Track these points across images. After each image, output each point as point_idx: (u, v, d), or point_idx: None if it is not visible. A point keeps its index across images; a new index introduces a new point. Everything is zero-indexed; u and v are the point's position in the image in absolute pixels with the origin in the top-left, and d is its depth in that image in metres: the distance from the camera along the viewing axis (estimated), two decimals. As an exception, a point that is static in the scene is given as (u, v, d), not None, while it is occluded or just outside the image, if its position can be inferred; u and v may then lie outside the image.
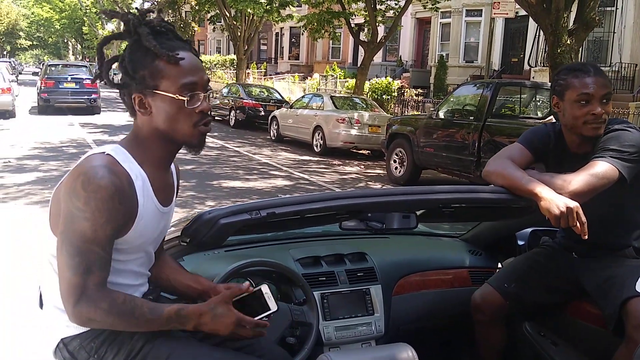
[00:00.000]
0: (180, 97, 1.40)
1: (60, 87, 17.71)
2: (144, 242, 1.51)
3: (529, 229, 2.57)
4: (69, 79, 17.93)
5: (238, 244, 2.38)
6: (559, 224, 1.75)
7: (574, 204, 1.75)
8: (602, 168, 1.88)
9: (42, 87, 17.65)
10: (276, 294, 2.14)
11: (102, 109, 18.96)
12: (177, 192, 1.63)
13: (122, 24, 1.47)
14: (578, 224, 1.75)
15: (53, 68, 19.16)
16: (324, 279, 2.23)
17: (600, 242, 2.10)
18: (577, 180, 1.85)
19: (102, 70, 1.50)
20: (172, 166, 1.61)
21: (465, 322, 2.36)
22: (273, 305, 1.51)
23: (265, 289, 1.52)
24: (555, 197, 1.78)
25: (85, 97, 17.99)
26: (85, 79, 18.01)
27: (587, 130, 1.98)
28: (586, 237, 1.76)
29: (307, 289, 2.04)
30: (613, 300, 1.93)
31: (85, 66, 20.47)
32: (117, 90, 1.48)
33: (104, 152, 1.40)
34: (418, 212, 1.95)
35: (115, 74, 1.57)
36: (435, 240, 2.78)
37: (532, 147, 2.08)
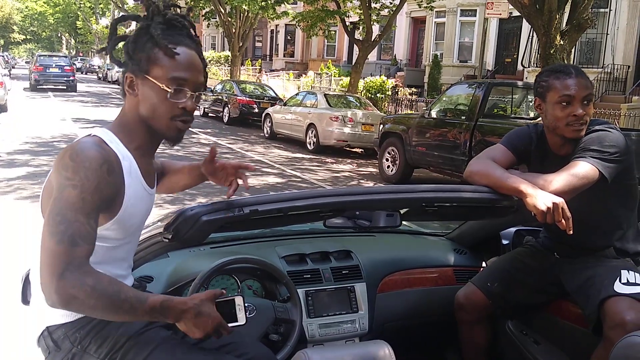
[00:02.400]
0: (165, 88, 1.43)
1: (46, 71, 24.40)
2: (134, 224, 1.52)
3: (513, 229, 2.59)
4: (54, 65, 24.67)
5: (224, 240, 2.39)
6: (545, 219, 1.77)
7: (559, 200, 1.77)
8: (582, 168, 1.90)
9: (34, 72, 24.49)
10: (261, 291, 2.15)
11: (94, 104, 20.46)
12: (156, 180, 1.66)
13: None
14: (563, 220, 1.76)
15: (41, 58, 25.77)
16: (309, 276, 2.24)
17: (582, 243, 2.12)
18: (558, 180, 1.87)
19: (109, 45, 1.55)
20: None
21: (449, 321, 2.37)
22: (242, 319, 1.50)
23: (239, 300, 1.51)
24: (540, 193, 1.79)
25: (65, 79, 24.83)
26: (65, 66, 25.04)
27: (568, 132, 2.00)
28: (571, 232, 1.77)
29: (291, 286, 2.05)
30: (592, 300, 1.94)
31: (66, 56, 28.09)
32: (114, 83, 1.53)
33: (90, 134, 1.45)
34: (402, 211, 1.96)
35: (108, 68, 1.63)
36: (420, 239, 2.80)
37: (514, 148, 2.09)
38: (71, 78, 24.96)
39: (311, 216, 1.85)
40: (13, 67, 43.63)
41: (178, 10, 1.55)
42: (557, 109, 1.99)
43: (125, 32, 1.95)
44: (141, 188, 1.50)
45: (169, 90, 1.43)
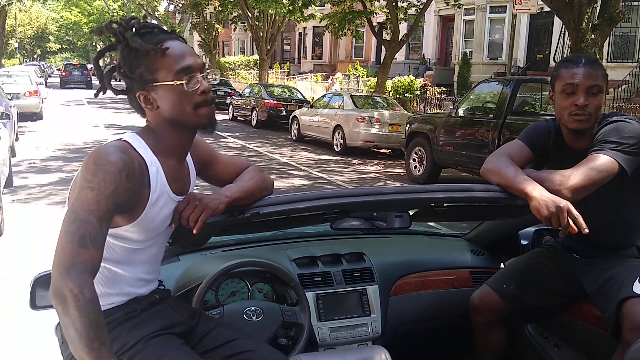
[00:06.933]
0: (179, 82, 1.45)
1: (71, 74, 35.97)
2: (156, 228, 1.53)
3: (533, 228, 2.51)
4: (76, 70, 36.42)
5: (235, 244, 2.38)
6: (551, 224, 1.69)
7: (563, 203, 1.67)
8: (601, 161, 1.81)
9: (62, 74, 36.53)
10: (271, 294, 2.13)
11: (126, 110, 21.55)
12: (192, 185, 1.65)
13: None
14: (571, 222, 1.67)
15: (68, 65, 38.15)
16: (320, 279, 2.21)
17: (602, 242, 2.04)
18: (576, 174, 1.78)
19: (104, 82, 1.56)
20: (189, 159, 1.63)
21: (465, 324, 2.31)
22: None
23: None
24: (545, 197, 1.69)
25: (84, 79, 35.52)
26: (84, 70, 36.44)
27: (570, 122, 1.92)
28: (586, 231, 1.67)
29: (299, 289, 2.03)
30: (611, 301, 1.86)
31: (84, 64, 39.78)
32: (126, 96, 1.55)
33: (120, 139, 1.48)
34: (411, 212, 1.91)
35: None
36: (436, 240, 2.74)
37: (532, 144, 2.02)
38: (88, 79, 35.39)
39: (315, 218, 1.82)
40: (50, 76, 44.80)
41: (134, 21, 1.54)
42: (561, 98, 1.93)
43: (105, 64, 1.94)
44: (166, 194, 1.51)
45: (183, 82, 1.44)
